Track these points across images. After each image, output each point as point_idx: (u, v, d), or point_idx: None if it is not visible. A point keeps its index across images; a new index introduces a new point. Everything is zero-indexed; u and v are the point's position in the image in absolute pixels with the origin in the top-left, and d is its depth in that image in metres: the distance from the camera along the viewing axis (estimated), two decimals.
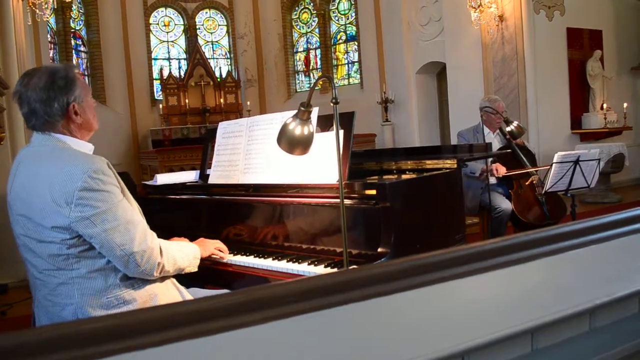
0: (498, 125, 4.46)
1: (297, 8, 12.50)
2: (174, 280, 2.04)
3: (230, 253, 2.44)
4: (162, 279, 1.96)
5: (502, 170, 4.09)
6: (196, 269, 2.11)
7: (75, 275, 1.75)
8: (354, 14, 11.72)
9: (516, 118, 6.32)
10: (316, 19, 12.24)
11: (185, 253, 2.04)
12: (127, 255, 1.74)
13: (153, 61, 11.70)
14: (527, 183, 4.20)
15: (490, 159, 4.08)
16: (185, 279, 2.11)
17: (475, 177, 4.16)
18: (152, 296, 1.88)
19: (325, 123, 2.48)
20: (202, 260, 2.19)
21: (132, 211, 1.82)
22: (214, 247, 2.37)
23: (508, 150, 4.21)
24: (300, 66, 12.60)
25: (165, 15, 12.02)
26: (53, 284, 1.77)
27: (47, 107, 1.77)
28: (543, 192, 3.94)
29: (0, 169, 4.70)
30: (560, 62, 7.86)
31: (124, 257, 1.74)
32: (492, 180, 4.22)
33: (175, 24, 12.12)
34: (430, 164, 2.70)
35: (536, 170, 4.27)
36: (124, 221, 1.75)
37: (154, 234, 1.88)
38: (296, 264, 2.22)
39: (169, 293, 1.96)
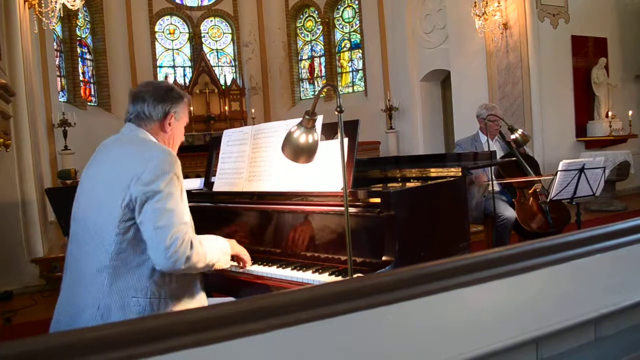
0: (496, 132, 4.45)
1: (301, 16, 12.57)
2: (205, 298, 2.06)
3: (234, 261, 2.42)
4: (192, 296, 1.98)
5: (483, 179, 4.05)
6: (227, 266, 2.13)
7: (113, 265, 1.83)
8: (358, 22, 11.78)
9: (521, 126, 6.33)
10: (320, 27, 12.31)
11: (214, 247, 2.03)
12: (158, 241, 1.79)
13: (158, 69, 11.79)
14: (530, 191, 4.18)
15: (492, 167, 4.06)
16: None
17: None
18: None
19: (329, 131, 2.48)
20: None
21: (183, 208, 1.90)
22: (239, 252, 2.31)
23: (513, 159, 4.20)
24: (304, 74, 12.65)
25: (171, 23, 12.11)
26: (90, 267, 1.86)
27: (152, 106, 2.03)
28: (548, 200, 3.92)
29: (6, 175, 4.71)
30: (565, 70, 7.86)
31: (154, 240, 1.80)
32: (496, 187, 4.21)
33: (181, 32, 12.20)
34: (434, 172, 2.70)
35: (539, 180, 4.25)
36: (172, 208, 1.84)
37: (193, 235, 1.91)
38: (300, 272, 2.21)
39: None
